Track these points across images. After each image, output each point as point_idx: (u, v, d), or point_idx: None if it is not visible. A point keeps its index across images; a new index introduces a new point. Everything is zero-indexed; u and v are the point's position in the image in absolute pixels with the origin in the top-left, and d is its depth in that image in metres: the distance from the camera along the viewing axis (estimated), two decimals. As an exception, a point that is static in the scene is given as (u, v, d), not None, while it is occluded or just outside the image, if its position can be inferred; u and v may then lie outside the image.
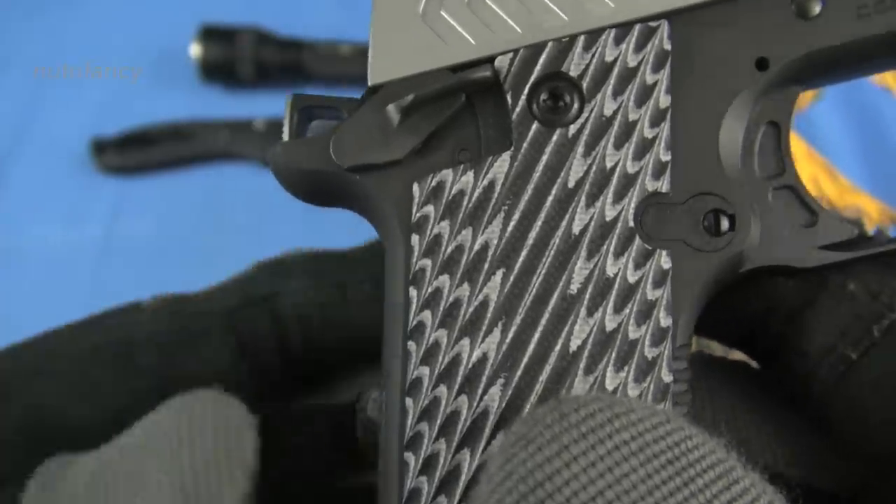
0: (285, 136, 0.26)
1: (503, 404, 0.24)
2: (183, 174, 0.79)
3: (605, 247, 0.25)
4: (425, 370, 0.25)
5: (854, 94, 0.81)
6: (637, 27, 0.26)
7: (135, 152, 0.78)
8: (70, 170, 0.78)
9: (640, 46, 0.26)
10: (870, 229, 0.29)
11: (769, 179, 0.27)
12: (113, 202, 0.77)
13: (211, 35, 0.82)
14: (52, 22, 0.87)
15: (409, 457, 0.24)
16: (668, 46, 0.26)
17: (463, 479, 0.24)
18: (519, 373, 0.24)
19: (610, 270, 0.25)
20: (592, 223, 0.25)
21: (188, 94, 0.83)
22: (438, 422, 0.24)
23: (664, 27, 0.26)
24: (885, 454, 0.26)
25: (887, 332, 0.26)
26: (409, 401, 0.24)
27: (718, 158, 0.26)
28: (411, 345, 0.25)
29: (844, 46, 0.26)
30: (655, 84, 0.26)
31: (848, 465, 0.28)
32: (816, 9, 0.26)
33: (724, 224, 0.25)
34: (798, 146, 0.78)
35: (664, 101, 0.26)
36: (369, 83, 0.26)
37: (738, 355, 0.32)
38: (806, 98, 0.79)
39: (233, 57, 0.81)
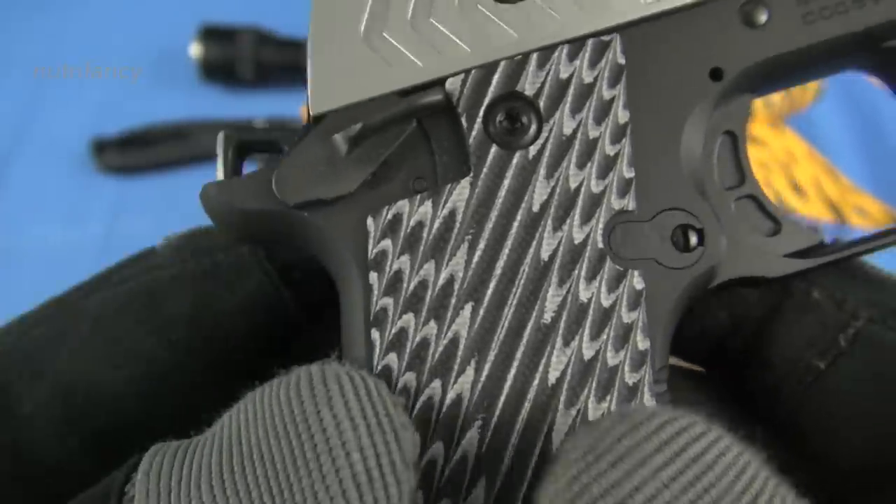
0: (219, 175, 0.25)
1: (483, 448, 0.23)
2: (183, 174, 0.79)
3: (576, 271, 0.24)
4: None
5: (854, 94, 0.81)
6: (590, 42, 0.25)
7: (135, 152, 0.78)
8: (70, 170, 0.78)
9: (594, 62, 0.25)
10: (869, 230, 0.29)
11: (730, 190, 0.27)
12: (113, 202, 0.77)
13: (211, 35, 0.82)
14: (52, 22, 0.87)
15: None
16: (622, 60, 0.25)
17: None
18: (497, 412, 0.23)
19: (583, 296, 0.24)
20: (561, 247, 0.24)
21: (188, 94, 0.83)
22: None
23: (616, 41, 0.25)
24: (855, 466, 0.26)
25: (853, 340, 0.25)
26: None
27: (681, 172, 0.25)
28: None
29: (794, 53, 0.26)
30: (613, 99, 0.25)
31: (814, 478, 0.28)
32: (762, 18, 0.26)
33: (693, 239, 0.25)
34: (799, 146, 0.78)
35: (623, 116, 0.25)
36: (311, 112, 0.24)
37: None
38: (806, 98, 0.79)
39: (233, 57, 0.81)
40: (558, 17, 0.25)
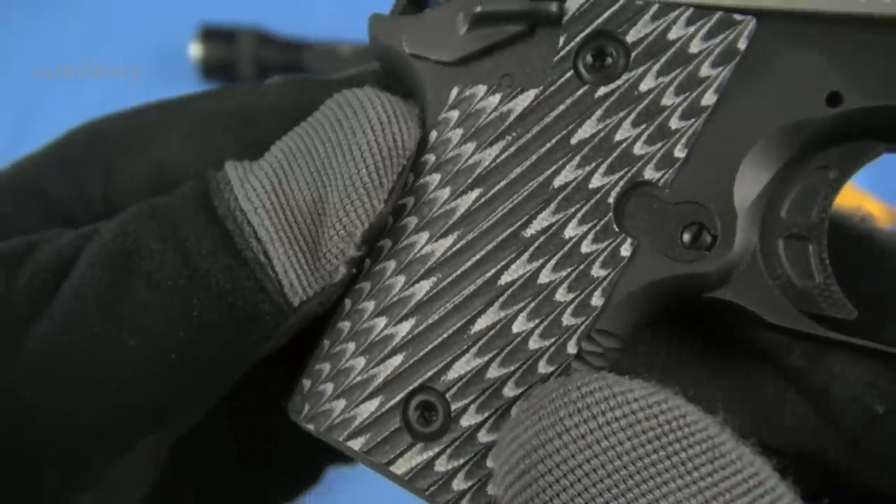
0: (393, 10, 0.29)
1: (422, 299, 0.26)
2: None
3: (574, 209, 0.25)
4: (388, 242, 0.27)
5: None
6: (718, 14, 0.24)
7: (135, 152, 0.78)
8: (70, 170, 0.78)
9: (711, 35, 0.24)
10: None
11: (791, 224, 0.25)
12: (113, 202, 0.77)
13: (211, 35, 0.82)
14: (51, 22, 0.87)
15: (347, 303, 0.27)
16: (742, 46, 0.24)
17: (375, 336, 0.26)
18: (446, 282, 0.26)
19: (568, 232, 0.25)
20: (574, 184, 0.25)
21: (188, 95, 0.83)
22: (374, 293, 0.27)
23: (750, 25, 0.24)
24: None
25: None
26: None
27: (734, 177, 0.24)
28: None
29: None
30: (707, 79, 0.24)
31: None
32: None
33: (706, 241, 0.24)
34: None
35: (709, 98, 0.24)
36: None
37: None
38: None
39: (233, 57, 0.81)
40: None
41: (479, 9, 0.26)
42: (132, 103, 0.30)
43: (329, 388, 0.27)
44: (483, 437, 0.25)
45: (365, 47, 0.28)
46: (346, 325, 0.27)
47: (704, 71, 0.24)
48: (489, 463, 0.24)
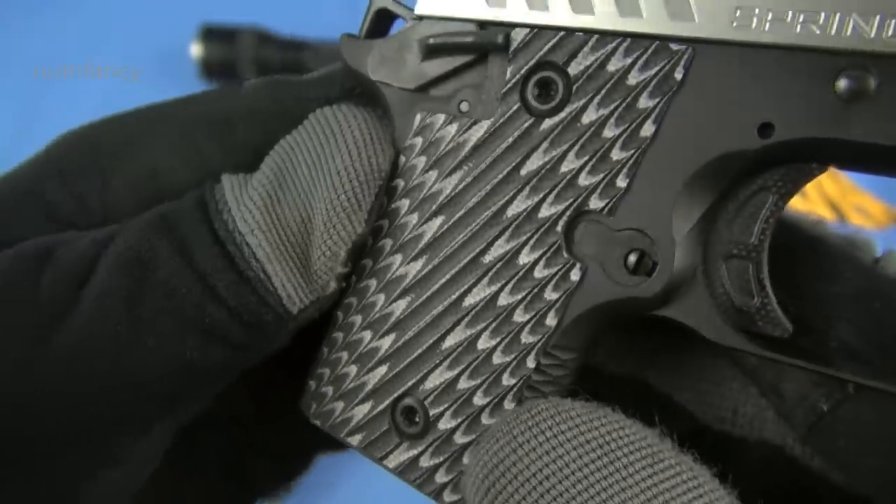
0: (362, 31, 0.30)
1: (403, 315, 0.29)
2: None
3: (526, 237, 0.27)
4: (369, 261, 0.29)
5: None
6: (654, 45, 0.24)
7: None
8: (70, 170, 0.78)
9: (648, 66, 0.24)
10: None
11: (732, 244, 0.25)
12: (113, 202, 0.77)
13: (211, 35, 0.82)
14: (51, 22, 0.87)
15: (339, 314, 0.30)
16: (679, 76, 0.24)
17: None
18: (419, 302, 0.28)
19: (522, 259, 0.27)
20: (525, 213, 0.27)
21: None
22: (360, 309, 0.29)
23: (686, 54, 0.24)
24: (871, 490, 0.27)
25: (862, 386, 0.25)
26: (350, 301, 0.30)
27: (673, 207, 0.24)
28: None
29: (874, 147, 0.22)
30: (646, 110, 0.25)
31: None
32: (866, 90, 0.22)
33: (648, 265, 0.25)
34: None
35: (647, 129, 0.25)
36: (416, 12, 0.29)
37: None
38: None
39: (233, 57, 0.81)
40: (644, 12, 0.25)
41: (431, 41, 0.28)
42: (132, 103, 0.31)
43: (330, 390, 0.30)
44: (459, 438, 0.28)
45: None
46: (339, 336, 0.30)
47: (643, 102, 0.25)
48: (465, 460, 0.27)
